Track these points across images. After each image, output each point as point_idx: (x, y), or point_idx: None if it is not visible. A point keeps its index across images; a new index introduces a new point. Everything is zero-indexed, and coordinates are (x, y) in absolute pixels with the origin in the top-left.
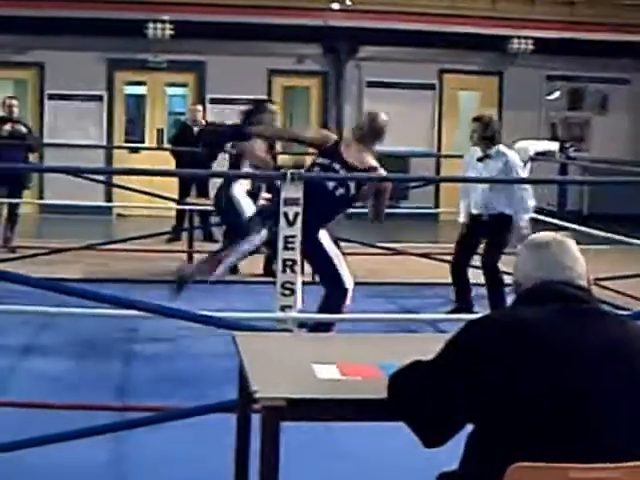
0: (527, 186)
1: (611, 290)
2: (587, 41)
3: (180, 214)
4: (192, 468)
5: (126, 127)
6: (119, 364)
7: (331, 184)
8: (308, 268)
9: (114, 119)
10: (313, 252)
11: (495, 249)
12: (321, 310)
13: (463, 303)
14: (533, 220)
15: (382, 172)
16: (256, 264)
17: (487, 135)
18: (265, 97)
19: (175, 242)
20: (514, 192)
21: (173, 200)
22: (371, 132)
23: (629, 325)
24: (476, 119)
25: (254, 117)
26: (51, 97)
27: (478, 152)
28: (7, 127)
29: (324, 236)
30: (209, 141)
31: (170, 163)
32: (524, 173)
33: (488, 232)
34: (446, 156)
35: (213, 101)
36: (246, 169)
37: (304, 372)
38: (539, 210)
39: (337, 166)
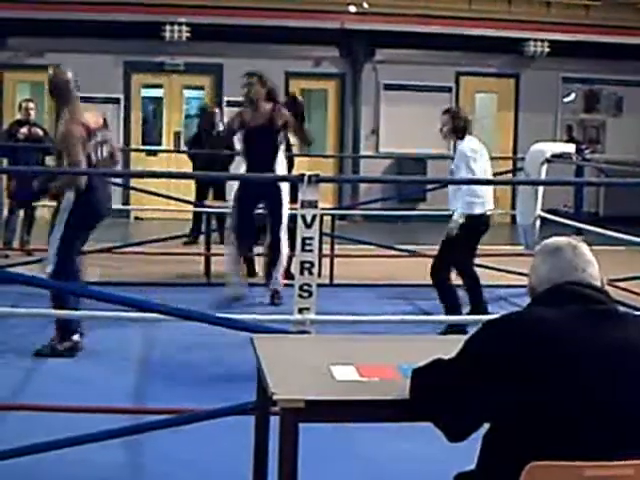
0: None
1: (627, 291)
2: (602, 44)
3: (197, 217)
4: (211, 470)
5: (143, 130)
6: (137, 367)
7: None
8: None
9: (131, 122)
10: None
11: (454, 251)
12: None
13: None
14: (549, 221)
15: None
16: None
17: (456, 127)
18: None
19: (192, 245)
20: (461, 188)
21: (190, 203)
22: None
23: None
24: (445, 112)
25: None
26: None
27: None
28: (24, 130)
29: None
30: None
31: (187, 166)
32: (475, 164)
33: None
34: None
35: (230, 104)
36: None
37: (322, 373)
38: (555, 212)
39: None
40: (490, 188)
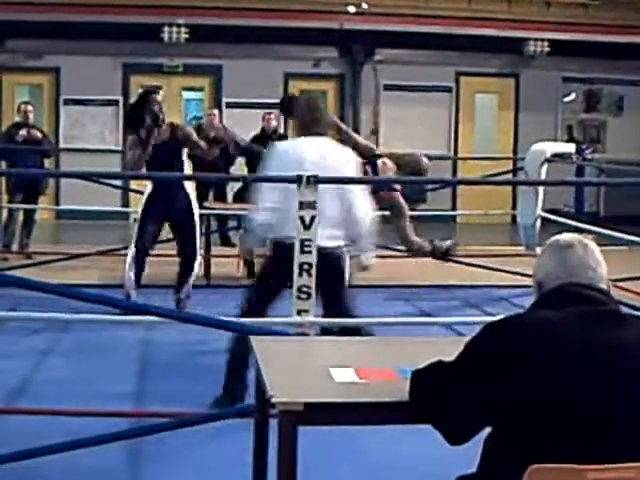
0: None
1: (628, 291)
2: (602, 43)
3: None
4: (211, 473)
5: None
6: (136, 370)
7: None
8: None
9: None
10: None
11: None
12: None
13: None
14: (550, 221)
15: None
16: None
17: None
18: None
19: None
20: None
21: None
22: None
23: None
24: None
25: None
26: (67, 102)
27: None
28: (22, 132)
29: None
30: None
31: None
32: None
33: None
34: (463, 158)
35: (229, 105)
36: None
37: (321, 376)
38: (556, 212)
39: None
40: (289, 205)
